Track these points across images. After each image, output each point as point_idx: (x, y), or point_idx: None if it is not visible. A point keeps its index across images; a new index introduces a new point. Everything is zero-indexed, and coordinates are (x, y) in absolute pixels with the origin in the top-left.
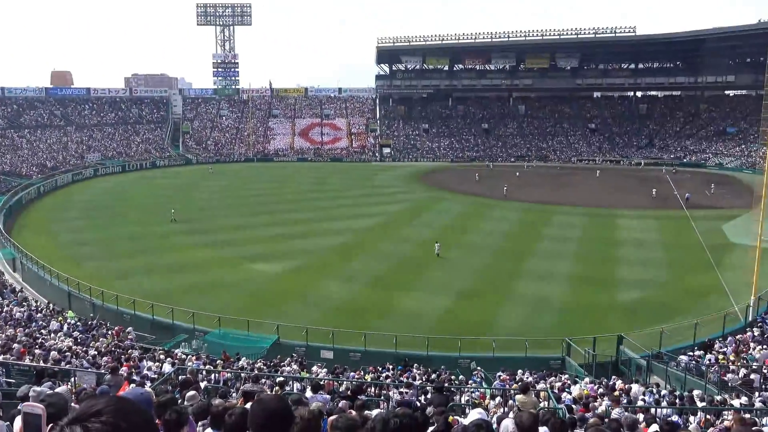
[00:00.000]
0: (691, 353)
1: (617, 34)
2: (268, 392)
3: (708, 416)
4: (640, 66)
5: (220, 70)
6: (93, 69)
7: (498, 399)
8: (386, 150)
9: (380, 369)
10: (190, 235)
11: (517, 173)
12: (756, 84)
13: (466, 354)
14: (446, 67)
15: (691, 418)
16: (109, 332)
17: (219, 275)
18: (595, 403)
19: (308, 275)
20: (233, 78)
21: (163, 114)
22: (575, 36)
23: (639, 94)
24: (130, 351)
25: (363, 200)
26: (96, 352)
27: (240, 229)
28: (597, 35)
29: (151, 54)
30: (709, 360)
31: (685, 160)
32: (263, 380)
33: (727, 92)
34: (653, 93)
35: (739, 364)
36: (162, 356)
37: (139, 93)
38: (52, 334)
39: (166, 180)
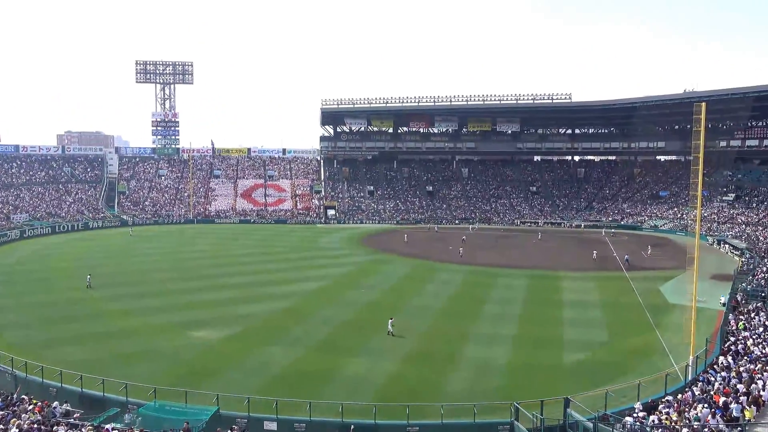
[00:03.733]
0: (635, 414)
1: (554, 101)
2: None
3: None
4: (577, 131)
5: (159, 128)
6: (23, 126)
7: None
8: (331, 212)
9: None
10: (122, 301)
11: (463, 237)
12: (684, 150)
13: (414, 422)
14: (390, 130)
15: None
16: (33, 407)
17: (154, 343)
18: None
19: (250, 341)
20: (173, 137)
21: (98, 173)
22: (515, 102)
23: (576, 158)
24: (55, 428)
25: (307, 263)
26: (17, 430)
27: (177, 293)
28: (535, 101)
29: (87, 111)
30: (653, 421)
31: (622, 223)
32: None
33: (658, 157)
34: (590, 157)
35: (681, 424)
36: None
37: (72, 151)
38: None
39: (97, 242)
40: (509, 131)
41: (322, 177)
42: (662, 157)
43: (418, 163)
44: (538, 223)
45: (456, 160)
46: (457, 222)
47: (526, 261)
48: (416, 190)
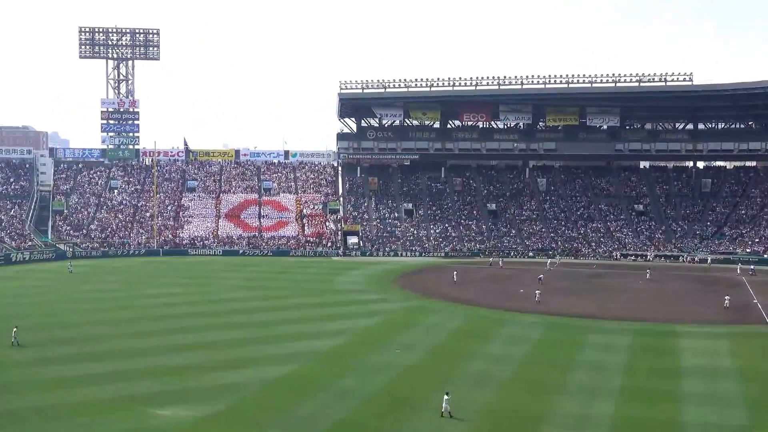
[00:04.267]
0: None
1: (669, 83)
2: None
3: None
4: (701, 126)
5: (112, 122)
6: None
7: None
8: (352, 239)
9: None
10: (56, 365)
11: (540, 276)
12: None
13: None
14: (437, 124)
15: None
16: None
17: (102, 424)
18: None
19: (238, 424)
20: (131, 134)
21: (24, 184)
22: (612, 84)
23: (700, 164)
24: None
25: (318, 312)
26: None
27: (135, 354)
28: (642, 83)
29: (10, 99)
30: None
31: (766, 256)
32: None
33: None
34: (720, 163)
35: None
36: None
37: None
38: None
39: (23, 282)
40: (604, 126)
41: (340, 190)
42: None
43: (475, 171)
44: (646, 256)
45: (529, 167)
46: (530, 254)
47: (628, 310)
48: (473, 208)
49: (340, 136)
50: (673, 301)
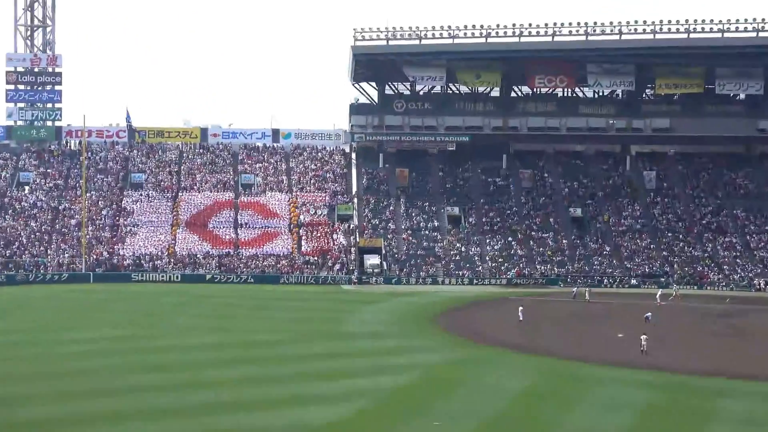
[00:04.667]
0: None
1: None
2: None
3: None
4: None
5: (22, 88)
6: None
7: None
8: (372, 260)
9: None
10: None
11: (648, 315)
12: None
13: None
14: (496, 91)
15: None
16: None
17: None
18: None
19: None
20: (50, 105)
21: None
22: (754, 33)
23: None
24: None
25: (319, 367)
26: None
27: (55, 424)
28: None
29: None
30: None
31: None
32: None
33: None
34: None
35: None
36: None
37: None
38: None
39: None
40: (742, 95)
41: (354, 188)
42: None
43: (552, 159)
44: None
45: (632, 154)
46: (633, 282)
47: None
48: (549, 215)
49: (355, 109)
50: None
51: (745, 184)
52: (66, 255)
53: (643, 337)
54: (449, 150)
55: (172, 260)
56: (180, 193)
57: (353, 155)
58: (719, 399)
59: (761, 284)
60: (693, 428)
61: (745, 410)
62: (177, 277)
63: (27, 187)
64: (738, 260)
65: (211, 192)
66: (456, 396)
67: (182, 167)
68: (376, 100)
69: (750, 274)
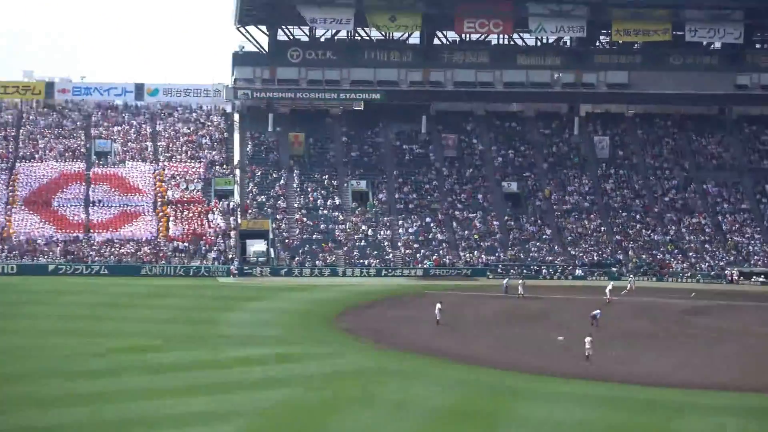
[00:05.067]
0: None
1: None
2: None
3: None
4: None
5: None
6: None
7: None
8: (257, 247)
9: None
10: None
11: (595, 312)
12: None
13: None
14: (416, 38)
15: None
16: None
17: None
18: None
19: None
20: None
21: None
22: None
23: None
24: None
25: (186, 379)
26: None
27: None
28: None
29: None
30: None
31: None
32: None
33: None
34: None
35: None
36: None
37: None
38: None
39: None
40: (716, 44)
41: (237, 157)
42: None
43: (483, 122)
44: None
45: (581, 115)
46: (579, 273)
47: (751, 373)
48: (477, 190)
49: (239, 59)
50: None
51: (719, 153)
52: None
53: (588, 339)
54: (356, 110)
55: (5, 247)
56: (17, 164)
57: (236, 116)
58: (681, 415)
59: (734, 275)
60: None
61: (701, 428)
62: (12, 268)
63: None
64: (707, 246)
65: (56, 162)
66: (356, 414)
67: (21, 131)
68: (266, 48)
69: (721, 263)
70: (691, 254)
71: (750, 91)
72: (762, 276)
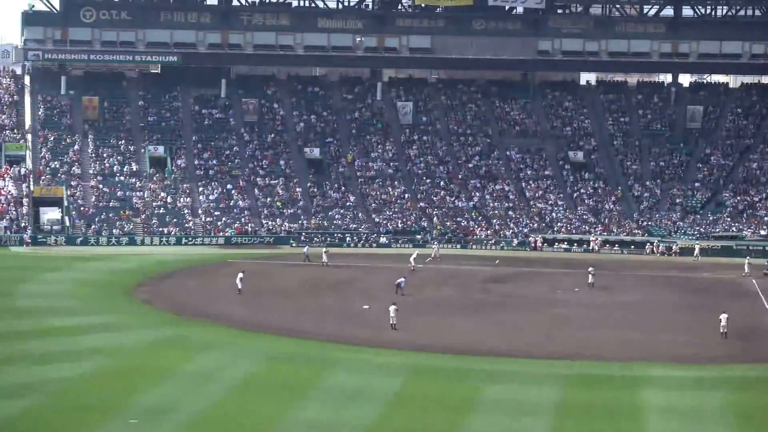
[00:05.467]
0: None
1: None
2: None
3: None
4: (687, 12)
5: None
6: None
7: None
8: (51, 215)
9: None
10: None
11: (400, 280)
12: None
13: None
14: None
15: None
16: None
17: None
18: None
19: None
20: None
21: None
22: None
23: (685, 79)
24: None
25: None
26: None
27: None
28: None
29: None
30: None
31: None
32: None
33: None
34: (719, 78)
35: None
36: None
37: None
38: None
39: None
40: (519, 9)
41: (28, 120)
42: None
43: (284, 86)
44: (588, 243)
45: (384, 80)
46: (383, 240)
47: (555, 340)
48: (279, 155)
49: (29, 18)
50: (633, 324)
51: (522, 119)
52: None
53: (393, 308)
54: (153, 73)
55: None
56: None
57: (26, 79)
58: (486, 384)
59: (538, 242)
60: (450, 421)
61: (515, 396)
62: None
63: None
64: (511, 213)
65: None
66: (158, 387)
67: None
68: (58, 8)
69: (525, 230)
70: (495, 221)
71: (552, 57)
72: (565, 242)
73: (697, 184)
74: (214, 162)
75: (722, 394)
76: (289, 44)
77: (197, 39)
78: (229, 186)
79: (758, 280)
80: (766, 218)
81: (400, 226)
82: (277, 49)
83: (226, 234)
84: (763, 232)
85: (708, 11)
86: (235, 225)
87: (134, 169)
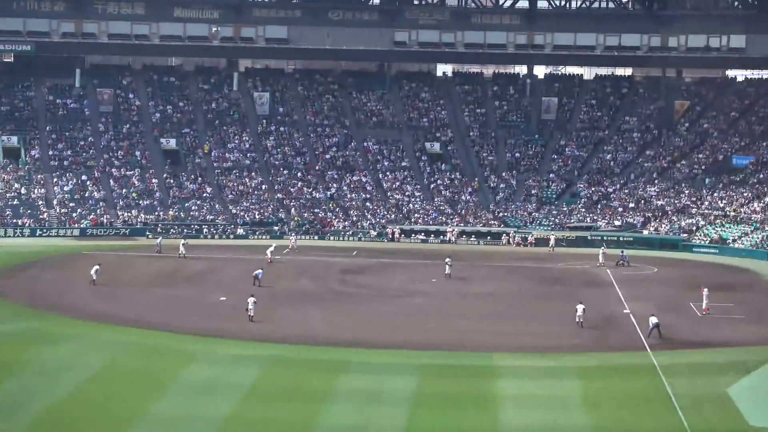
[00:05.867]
0: None
1: None
2: None
3: None
4: (542, 5)
5: None
6: None
7: None
8: None
9: None
10: None
11: (257, 272)
12: None
13: None
14: None
15: None
16: None
17: None
18: None
19: None
20: None
21: None
22: None
23: (541, 71)
24: None
25: None
26: None
27: None
28: None
29: None
30: None
31: (648, 234)
32: None
33: (731, 73)
34: (574, 70)
35: None
36: None
37: None
38: None
39: None
40: (375, 0)
41: None
42: (741, 73)
43: (139, 76)
44: (444, 233)
45: (240, 70)
46: (240, 232)
47: (412, 330)
48: (135, 146)
49: None
50: (489, 314)
51: (379, 110)
52: None
53: (251, 300)
54: (5, 62)
55: None
56: None
57: None
58: (344, 374)
59: (396, 233)
60: (306, 411)
61: (372, 386)
62: None
63: None
64: (368, 204)
65: None
66: (10, 380)
67: None
68: None
69: (382, 221)
70: (352, 212)
71: (408, 48)
72: (422, 233)
73: (552, 175)
74: (69, 153)
75: (575, 383)
76: (145, 34)
77: (51, 28)
78: (84, 177)
79: (612, 270)
80: (619, 209)
81: (257, 217)
82: (132, 39)
83: (82, 225)
84: (617, 223)
85: (563, 3)
86: (91, 216)
87: None
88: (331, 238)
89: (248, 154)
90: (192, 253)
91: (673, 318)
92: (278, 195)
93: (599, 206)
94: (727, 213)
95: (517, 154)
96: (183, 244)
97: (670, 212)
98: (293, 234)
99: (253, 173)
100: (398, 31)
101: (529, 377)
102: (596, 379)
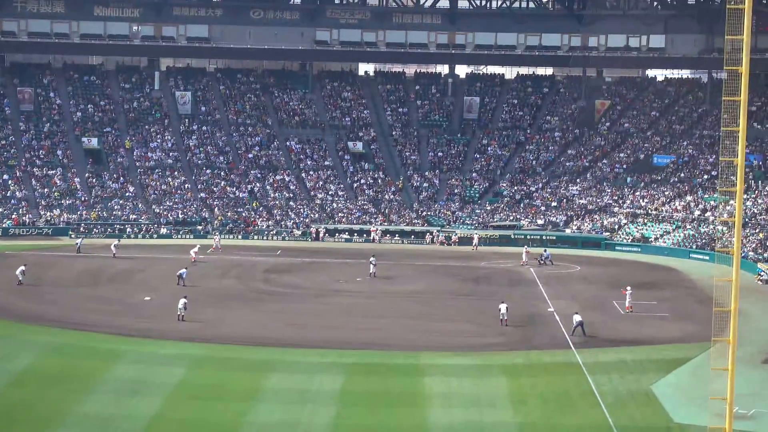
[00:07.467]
0: None
1: None
2: None
3: None
4: (463, 4)
5: None
6: None
7: None
8: None
9: None
10: None
11: (181, 271)
12: (707, 56)
13: None
14: None
15: None
16: None
17: None
18: None
19: None
20: None
21: None
22: None
23: (462, 70)
24: None
25: None
26: None
27: None
28: None
29: None
30: None
31: (572, 232)
32: None
33: (651, 73)
34: (495, 69)
35: None
36: None
37: None
38: None
39: None
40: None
41: None
42: (661, 73)
43: (60, 74)
44: (367, 233)
45: (161, 69)
46: (163, 230)
47: (337, 329)
48: (57, 145)
49: None
50: (414, 313)
51: (301, 109)
52: None
53: (183, 301)
54: None
55: None
56: None
57: None
58: (269, 373)
59: (319, 233)
60: (233, 410)
61: (296, 385)
62: None
63: None
64: (292, 203)
65: None
66: None
67: None
68: None
69: (306, 220)
70: (276, 211)
71: (330, 47)
72: (346, 233)
73: (474, 175)
74: None
75: (501, 381)
76: (65, 32)
77: None
78: (5, 176)
79: (535, 269)
80: (542, 208)
81: (180, 216)
82: (52, 37)
83: (4, 225)
84: (540, 222)
85: (483, 3)
86: (13, 216)
87: None
88: (255, 237)
89: (171, 154)
90: (121, 251)
91: (596, 316)
92: (201, 194)
93: (522, 205)
94: (649, 211)
95: (440, 154)
96: (115, 245)
97: (592, 211)
98: (217, 233)
99: (175, 172)
100: (320, 30)
101: (456, 375)
102: (522, 377)
